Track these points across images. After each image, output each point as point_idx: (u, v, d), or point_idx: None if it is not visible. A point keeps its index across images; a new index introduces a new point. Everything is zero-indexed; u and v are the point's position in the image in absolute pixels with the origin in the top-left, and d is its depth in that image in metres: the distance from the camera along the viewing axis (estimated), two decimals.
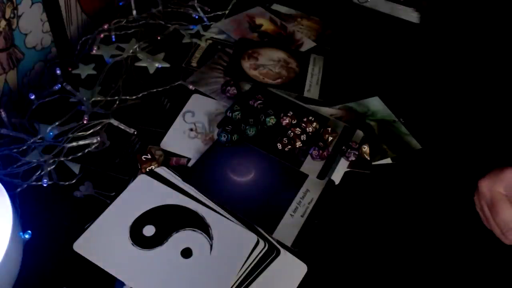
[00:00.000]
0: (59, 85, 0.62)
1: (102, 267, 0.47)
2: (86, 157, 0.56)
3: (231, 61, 0.72)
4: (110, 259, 0.47)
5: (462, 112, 0.68)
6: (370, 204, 0.56)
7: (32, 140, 0.56)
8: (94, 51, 0.70)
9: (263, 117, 0.61)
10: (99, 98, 0.63)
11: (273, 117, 0.61)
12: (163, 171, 0.55)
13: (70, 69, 0.67)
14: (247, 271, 0.48)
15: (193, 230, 0.50)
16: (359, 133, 0.63)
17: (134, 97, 0.64)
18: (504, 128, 0.67)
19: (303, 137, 0.60)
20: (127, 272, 0.47)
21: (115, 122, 0.60)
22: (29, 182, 0.53)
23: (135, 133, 0.60)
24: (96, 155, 0.57)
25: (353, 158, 0.59)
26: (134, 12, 0.76)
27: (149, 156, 0.56)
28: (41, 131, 0.57)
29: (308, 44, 0.78)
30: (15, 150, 0.55)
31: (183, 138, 0.60)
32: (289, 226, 0.52)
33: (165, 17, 0.77)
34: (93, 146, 0.57)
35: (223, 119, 0.63)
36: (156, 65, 0.70)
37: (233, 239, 0.50)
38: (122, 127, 0.60)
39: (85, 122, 0.59)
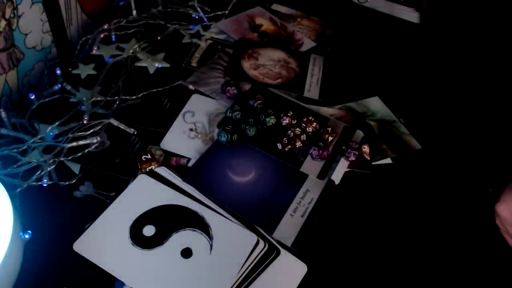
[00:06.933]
0: (59, 85, 0.62)
1: (102, 267, 0.47)
2: (86, 157, 0.56)
3: (231, 61, 0.72)
4: (110, 259, 0.47)
5: (462, 112, 0.68)
6: (370, 204, 0.56)
7: (32, 140, 0.56)
8: (94, 51, 0.70)
9: (263, 117, 0.61)
10: (99, 98, 0.63)
11: (273, 117, 0.61)
12: (163, 171, 0.55)
13: (70, 69, 0.67)
14: (247, 271, 0.48)
15: (193, 230, 0.50)
16: (359, 133, 0.63)
17: (134, 97, 0.64)
18: (504, 128, 0.67)
19: (303, 137, 0.60)
20: (127, 272, 0.47)
21: (115, 122, 0.60)
22: (29, 182, 0.53)
23: (135, 133, 0.60)
24: (96, 155, 0.57)
25: (353, 158, 0.59)
26: (134, 12, 0.76)
27: (149, 156, 0.56)
28: (41, 131, 0.57)
29: (308, 44, 0.78)
30: (15, 150, 0.55)
31: (183, 138, 0.60)
32: (289, 226, 0.52)
33: (165, 17, 0.77)
34: (93, 146, 0.57)
35: (223, 119, 0.63)
36: (156, 65, 0.70)
37: (233, 239, 0.50)
38: (122, 127, 0.60)
39: (85, 122, 0.59)
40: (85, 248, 0.48)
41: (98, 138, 0.58)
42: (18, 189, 0.52)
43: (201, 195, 0.53)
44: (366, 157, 0.59)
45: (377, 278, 0.50)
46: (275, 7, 0.85)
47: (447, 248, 0.53)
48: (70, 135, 0.57)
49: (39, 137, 0.57)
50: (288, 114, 0.62)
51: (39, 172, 0.53)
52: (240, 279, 0.47)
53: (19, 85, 0.66)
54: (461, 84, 0.73)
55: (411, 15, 0.85)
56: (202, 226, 0.51)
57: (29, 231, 0.46)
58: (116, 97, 0.64)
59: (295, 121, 0.62)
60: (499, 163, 0.62)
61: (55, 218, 0.51)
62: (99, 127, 0.59)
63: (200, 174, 0.56)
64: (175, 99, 0.65)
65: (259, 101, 0.64)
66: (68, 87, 0.63)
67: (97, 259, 0.47)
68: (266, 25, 0.80)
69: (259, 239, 0.50)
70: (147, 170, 0.55)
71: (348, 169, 0.59)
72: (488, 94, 0.72)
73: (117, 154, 0.58)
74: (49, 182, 0.53)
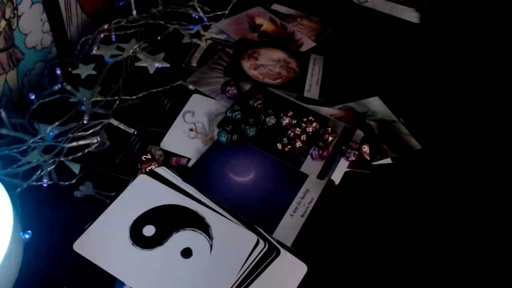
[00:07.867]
0: (59, 85, 0.62)
1: (102, 267, 0.47)
2: (86, 157, 0.56)
3: (231, 61, 0.72)
4: (110, 259, 0.47)
5: (462, 112, 0.68)
6: (370, 204, 0.56)
7: (32, 140, 0.56)
8: (94, 51, 0.70)
9: (263, 117, 0.61)
10: (99, 98, 0.63)
11: (273, 117, 0.61)
12: (163, 171, 0.55)
13: (70, 69, 0.67)
14: (247, 271, 0.48)
15: (193, 230, 0.50)
16: (359, 133, 0.63)
17: (134, 97, 0.64)
18: (505, 128, 0.67)
19: (303, 137, 0.60)
20: (127, 272, 0.47)
21: (115, 122, 0.60)
22: (29, 182, 0.53)
23: (135, 133, 0.60)
24: (96, 155, 0.57)
25: (353, 158, 0.59)
26: (134, 12, 0.76)
27: (149, 156, 0.56)
28: (41, 131, 0.57)
29: (308, 44, 0.78)
30: (15, 150, 0.55)
31: (183, 138, 0.60)
32: (289, 226, 0.52)
33: (165, 17, 0.77)
34: (93, 146, 0.57)
35: (223, 119, 0.63)
36: (156, 65, 0.70)
37: (233, 239, 0.50)
38: (122, 127, 0.60)
39: (85, 122, 0.59)
40: (85, 248, 0.48)
41: (98, 138, 0.58)
42: (18, 189, 0.52)
43: (201, 195, 0.53)
44: (366, 157, 0.59)
45: (377, 278, 0.50)
46: (275, 7, 0.85)
47: (447, 248, 0.53)
48: (70, 135, 0.57)
49: (39, 137, 0.57)
50: (288, 114, 0.62)
51: (39, 172, 0.53)
52: (240, 279, 0.47)
53: (19, 85, 0.66)
54: (461, 84, 0.73)
55: (411, 15, 0.85)
56: (202, 226, 0.51)
57: (29, 231, 0.46)
58: (116, 97, 0.64)
59: (295, 121, 0.62)
60: (501, 162, 0.62)
61: (55, 218, 0.51)
62: (99, 127, 0.59)
63: (200, 174, 0.56)
64: (175, 99, 0.65)
65: (259, 101, 0.64)
66: (68, 87, 0.63)
67: (97, 259, 0.47)
68: (266, 25, 0.80)
69: (259, 239, 0.50)
70: (147, 170, 0.55)
71: (348, 169, 0.59)
72: (488, 94, 0.72)
73: (117, 154, 0.58)
74: (49, 182, 0.53)
